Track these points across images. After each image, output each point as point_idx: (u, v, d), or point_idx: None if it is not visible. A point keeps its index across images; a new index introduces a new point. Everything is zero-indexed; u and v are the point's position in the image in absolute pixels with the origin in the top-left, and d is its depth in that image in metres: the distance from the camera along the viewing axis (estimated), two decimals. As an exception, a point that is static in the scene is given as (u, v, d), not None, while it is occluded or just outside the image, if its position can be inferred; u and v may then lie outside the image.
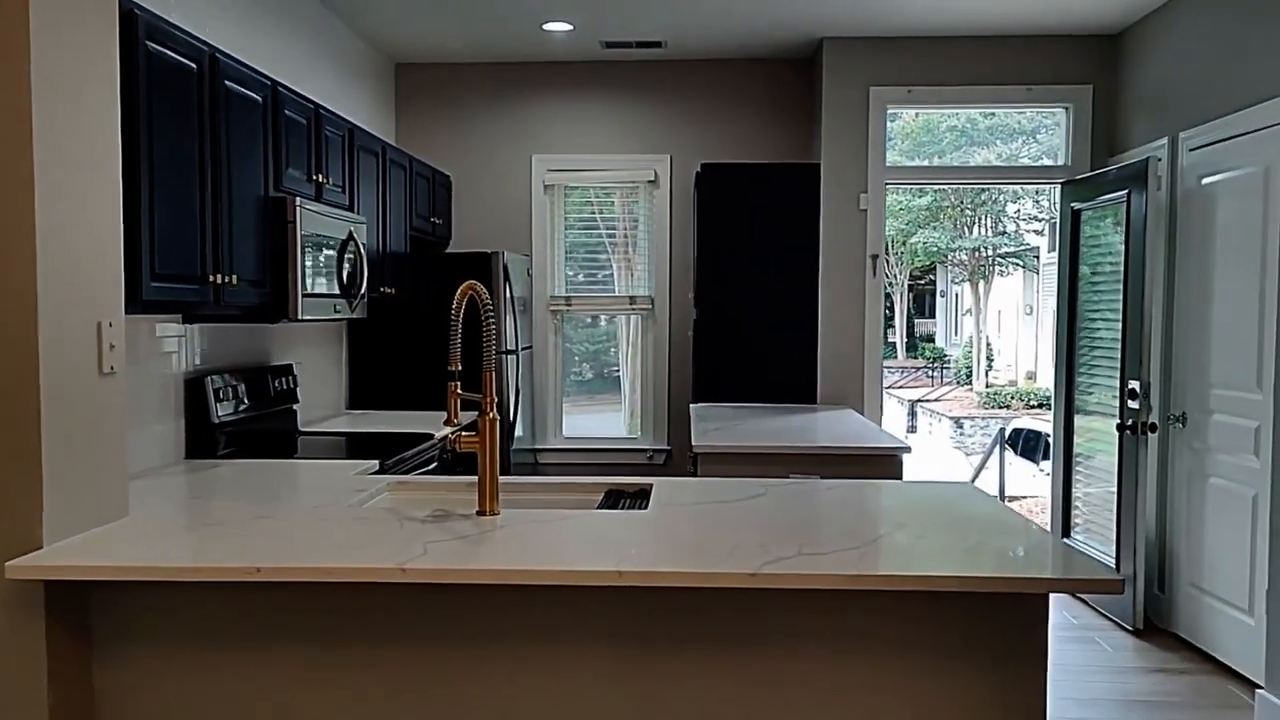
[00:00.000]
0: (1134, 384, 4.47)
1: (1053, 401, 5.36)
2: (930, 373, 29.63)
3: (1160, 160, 4.47)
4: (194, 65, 2.90)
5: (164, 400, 3.36)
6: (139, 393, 3.20)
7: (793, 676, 2.20)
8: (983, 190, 23.27)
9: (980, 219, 25.12)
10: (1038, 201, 24.33)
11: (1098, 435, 4.91)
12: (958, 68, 5.27)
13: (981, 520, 2.50)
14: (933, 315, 35.24)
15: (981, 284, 26.74)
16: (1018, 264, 26.53)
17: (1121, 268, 4.58)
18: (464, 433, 2.55)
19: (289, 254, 3.44)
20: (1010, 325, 29.20)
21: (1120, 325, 4.58)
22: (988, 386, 25.54)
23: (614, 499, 2.92)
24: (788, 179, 5.41)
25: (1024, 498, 9.97)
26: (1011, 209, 24.37)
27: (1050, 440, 12.90)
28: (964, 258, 26.40)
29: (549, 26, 5.17)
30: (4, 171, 2.09)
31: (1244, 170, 3.99)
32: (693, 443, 3.92)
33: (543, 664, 2.22)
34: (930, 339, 34.12)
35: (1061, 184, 5.23)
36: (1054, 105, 5.32)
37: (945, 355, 30.32)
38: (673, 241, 5.94)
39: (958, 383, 28.48)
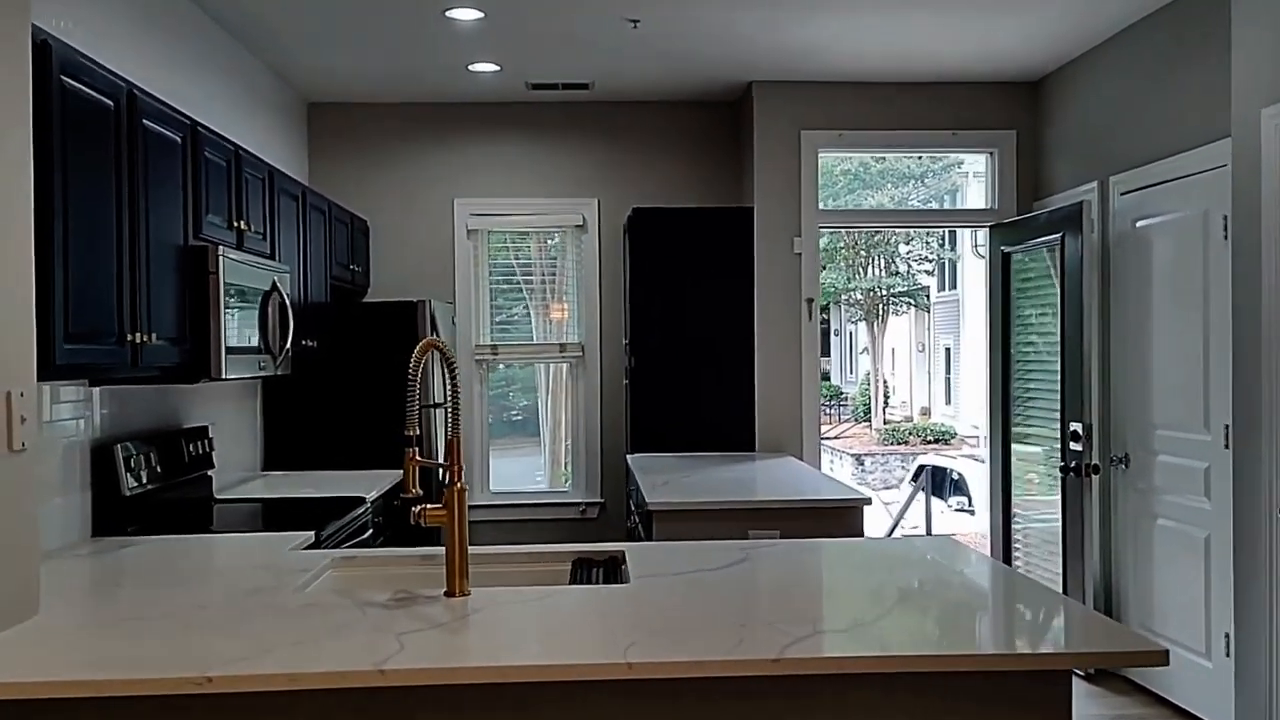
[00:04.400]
0: (1076, 425, 4.47)
1: (989, 441, 5.36)
2: (828, 410, 30.12)
3: (1091, 203, 4.52)
4: (111, 103, 2.61)
5: (67, 472, 3.01)
6: (37, 464, 2.85)
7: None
8: (876, 232, 23.87)
9: (874, 259, 25.76)
10: (928, 243, 25.09)
11: (1035, 475, 4.92)
12: (886, 112, 5.28)
13: (982, 582, 2.38)
14: (828, 354, 35.96)
15: (876, 323, 27.37)
16: (910, 303, 27.27)
17: (1057, 309, 4.60)
18: (429, 506, 2.31)
19: (210, 307, 3.14)
20: (903, 363, 29.94)
21: (1058, 366, 4.60)
22: (885, 423, 26.04)
23: (584, 569, 2.70)
24: (720, 223, 5.31)
25: (948, 535, 10.08)
26: (904, 250, 25.07)
27: (956, 476, 13.10)
28: (859, 297, 27.01)
29: (475, 67, 4.98)
30: (-102, 221, 1.79)
31: (1181, 214, 4.05)
32: (646, 499, 3.73)
33: (533, 766, 1.99)
34: (826, 377, 34.77)
35: (990, 227, 5.27)
36: (980, 150, 5.38)
37: (842, 393, 30.88)
38: (602, 287, 5.77)
39: (855, 420, 28.98)
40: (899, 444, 23.90)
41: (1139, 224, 4.33)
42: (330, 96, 5.54)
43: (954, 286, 25.15)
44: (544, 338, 5.91)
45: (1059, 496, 4.62)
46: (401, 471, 4.63)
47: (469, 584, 2.28)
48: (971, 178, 21.57)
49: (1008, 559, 5.13)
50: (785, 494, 3.86)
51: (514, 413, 6.47)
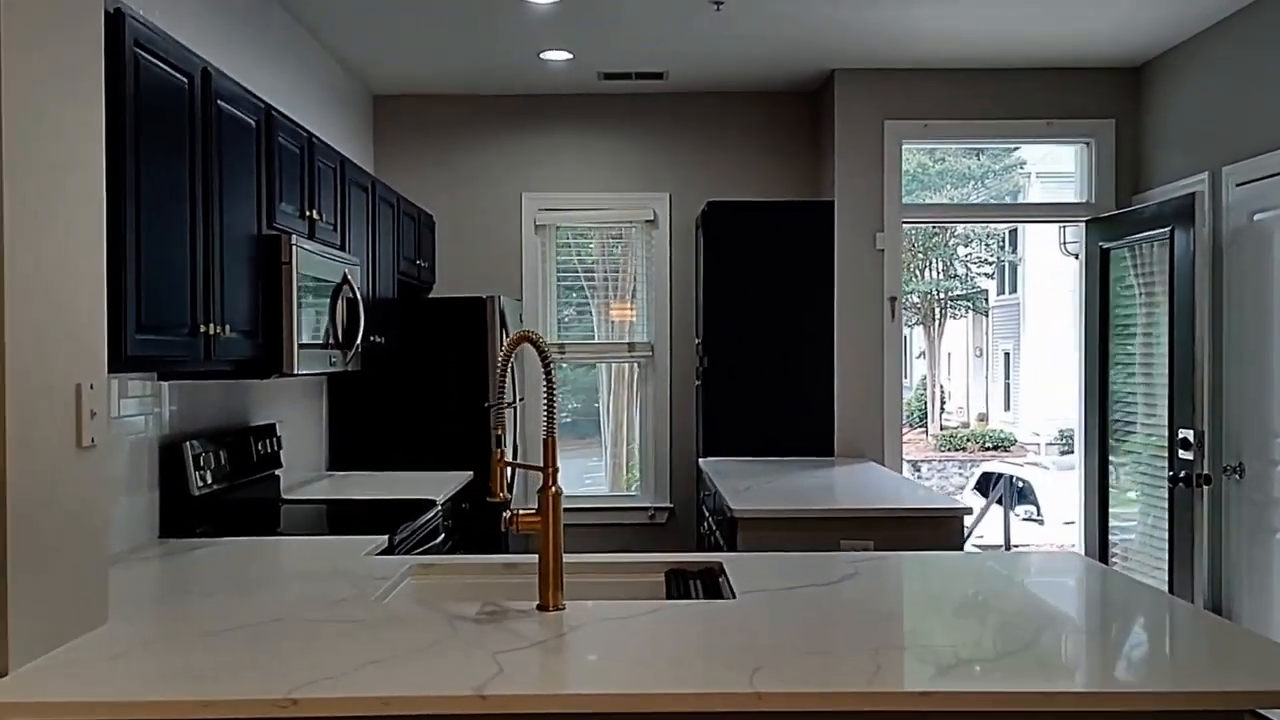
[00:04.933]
0: (1186, 433, 4.19)
1: (1081, 448, 5.07)
2: (883, 415, 29.56)
3: (1202, 195, 4.23)
4: (185, 80, 2.48)
5: (134, 470, 2.88)
6: (107, 462, 2.72)
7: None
8: (935, 234, 23.39)
9: (932, 262, 25.25)
10: (988, 245, 24.58)
11: (1134, 483, 4.63)
12: (975, 101, 5.02)
13: (1132, 603, 2.14)
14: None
15: (933, 327, 26.85)
16: (968, 306, 26.71)
17: (1164, 309, 4.32)
18: (522, 511, 2.13)
19: (283, 299, 3.00)
20: (960, 368, 29.36)
21: (1166, 370, 4.31)
22: (942, 429, 25.53)
23: (679, 581, 2.51)
24: (799, 218, 5.09)
25: (1024, 547, 9.74)
26: (962, 252, 24.55)
27: (1021, 484, 12.69)
28: (915, 300, 26.50)
29: (547, 55, 4.82)
30: (-36, 197, 1.65)
31: (1307, 205, 3.76)
32: (731, 506, 3.53)
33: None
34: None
35: (1086, 222, 4.99)
36: (1075, 140, 5.09)
37: (897, 398, 30.29)
38: (673, 284, 5.58)
39: (911, 425, 28.48)
40: (956, 450, 23.40)
41: (1257, 217, 4.04)
42: (397, 88, 5.42)
43: (1014, 290, 24.61)
44: (607, 336, 5.72)
45: (1165, 507, 4.33)
46: (468, 473, 4.52)
47: (563, 596, 2.10)
48: (1035, 179, 21.11)
49: (1103, 573, 4.84)
50: (878, 502, 3.63)
51: (563, 415, 6.30)
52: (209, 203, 2.58)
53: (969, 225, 23.33)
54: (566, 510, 5.92)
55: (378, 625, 1.96)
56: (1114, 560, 4.84)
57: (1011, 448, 22.15)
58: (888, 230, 5.04)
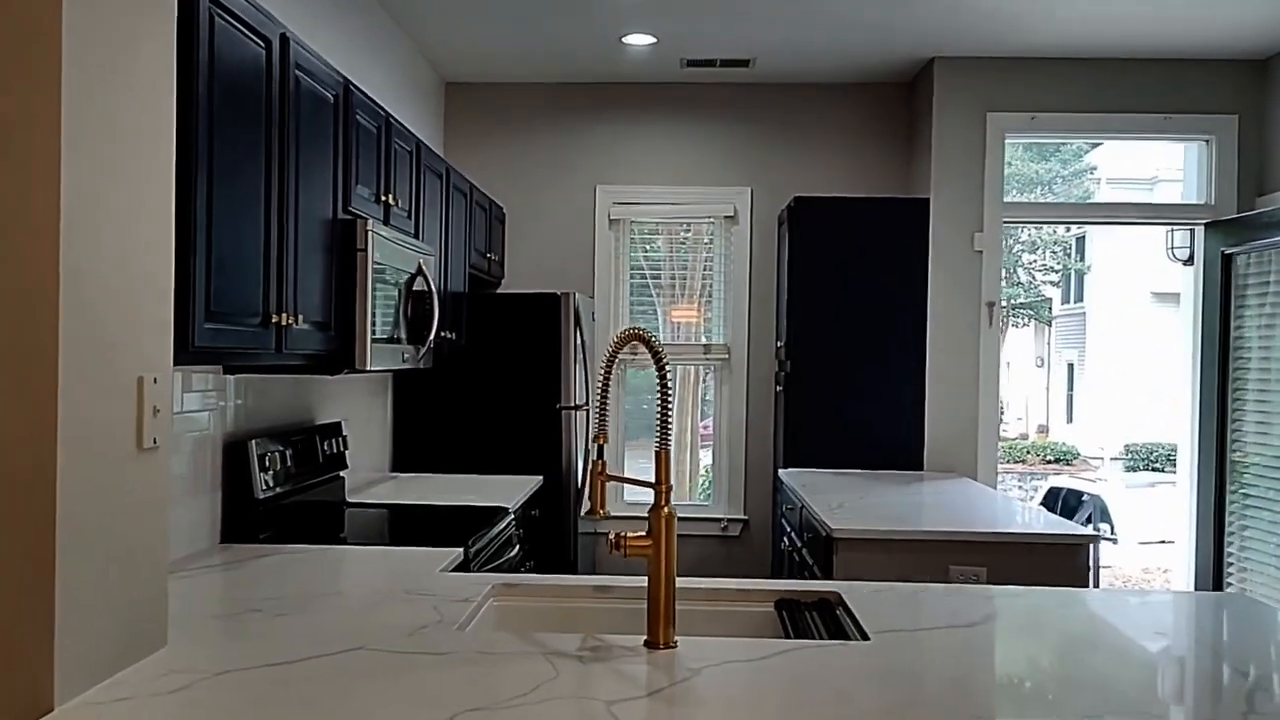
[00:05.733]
0: (1324, 457, 3.83)
1: (1194, 464, 4.69)
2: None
3: (1347, 198, 3.87)
4: (263, 46, 2.26)
5: (196, 470, 2.68)
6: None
7: None
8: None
9: (995, 268, 24.61)
10: (1054, 253, 23.94)
11: (1256, 509, 4.27)
12: (1085, 93, 4.68)
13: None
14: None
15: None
16: (1031, 315, 26.06)
17: (1301, 321, 3.96)
18: (630, 536, 1.88)
19: (357, 289, 2.78)
20: (1020, 378, 28.68)
21: (1301, 387, 3.95)
22: (1002, 440, 24.91)
23: (793, 613, 2.24)
24: (892, 215, 4.79)
25: (1105, 566, 9.32)
26: (1027, 259, 23.92)
27: (1087, 499, 12.24)
28: (976, 308, 25.83)
29: (629, 40, 4.57)
30: (20, 177, 1.43)
31: None
32: (829, 524, 3.24)
33: None
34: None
35: (1206, 225, 4.63)
36: (1194, 137, 4.73)
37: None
38: (752, 284, 5.30)
39: (968, 435, 27.80)
40: (1015, 463, 22.81)
41: None
42: (470, 75, 5.20)
43: (1080, 299, 23.96)
44: (673, 338, 5.44)
45: (1296, 538, 3.97)
46: (538, 478, 4.28)
47: (675, 632, 1.84)
48: (1105, 184, 20.44)
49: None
50: (991, 525, 3.32)
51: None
52: (284, 181, 2.37)
53: (1037, 231, 22.72)
54: (639, 519, 5.62)
55: (468, 661, 1.72)
56: (1229, 588, 4.47)
57: (1074, 461, 21.52)
58: (987, 230, 4.72)
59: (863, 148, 5.21)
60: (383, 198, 3.10)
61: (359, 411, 4.01)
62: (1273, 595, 4.18)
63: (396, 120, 3.28)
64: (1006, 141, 4.73)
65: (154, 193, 1.70)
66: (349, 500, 3.59)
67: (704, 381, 5.59)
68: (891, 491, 4.06)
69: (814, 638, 2.06)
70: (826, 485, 4.17)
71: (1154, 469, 18.39)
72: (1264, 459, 4.26)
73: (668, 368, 1.88)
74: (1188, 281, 5.16)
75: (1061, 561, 3.15)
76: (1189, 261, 5.37)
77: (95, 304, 1.52)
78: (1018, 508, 3.66)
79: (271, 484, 2.90)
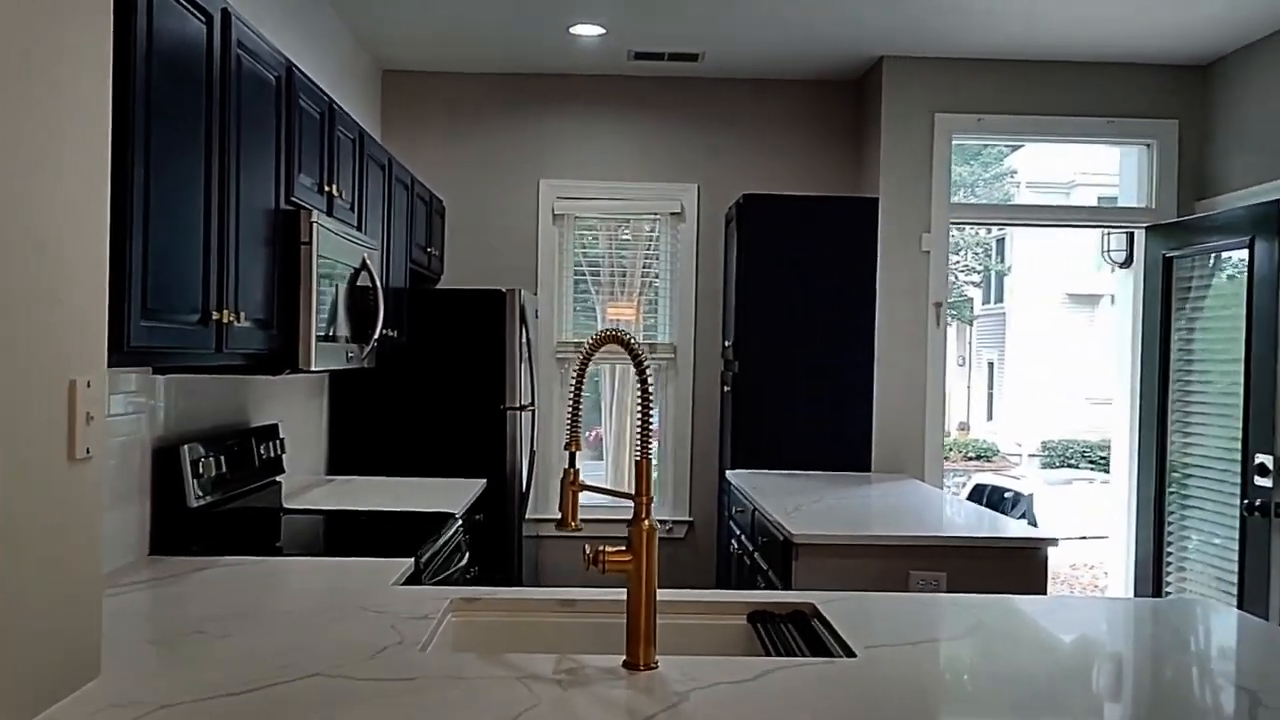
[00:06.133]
0: (1264, 459, 3.88)
1: (1134, 463, 4.74)
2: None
3: (1287, 203, 3.93)
4: (204, 22, 2.09)
5: (124, 478, 2.48)
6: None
7: None
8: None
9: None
10: (976, 254, 24.44)
11: (1193, 508, 4.34)
12: (1032, 95, 4.71)
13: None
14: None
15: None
16: (954, 315, 26.61)
17: (1243, 324, 4.01)
18: (609, 550, 1.77)
19: (302, 284, 2.62)
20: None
21: (1242, 390, 4.01)
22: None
23: (768, 626, 2.15)
24: (841, 214, 4.75)
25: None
26: (951, 260, 24.38)
27: (1010, 496, 12.45)
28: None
29: (577, 30, 4.45)
30: (-65, 136, 1.27)
31: None
32: (789, 529, 3.17)
33: None
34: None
35: (1147, 228, 4.68)
36: (1135, 141, 4.78)
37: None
38: (699, 283, 5.22)
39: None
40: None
41: (1352, 227, 3.74)
42: (408, 63, 5.03)
43: (1000, 299, 24.53)
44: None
45: (1236, 536, 4.03)
46: (481, 481, 4.14)
47: (655, 652, 1.74)
48: (1025, 187, 20.92)
49: (1158, 594, 4.54)
50: (950, 530, 3.29)
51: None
52: (225, 168, 2.20)
53: (960, 232, 23.17)
54: (583, 520, 5.50)
55: (437, 685, 1.59)
56: (1167, 586, 4.54)
57: (993, 458, 21.99)
58: (935, 230, 4.71)
59: (812, 146, 5.17)
60: (326, 188, 2.93)
61: (295, 412, 3.82)
62: (1208, 593, 4.24)
63: (340, 106, 3.11)
64: (954, 143, 4.73)
65: (88, 178, 1.53)
66: (286, 507, 3.40)
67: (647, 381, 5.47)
68: (844, 494, 4.01)
69: (795, 654, 1.98)
70: (778, 487, 4.11)
71: (1070, 465, 18.89)
72: (1202, 460, 4.33)
73: (649, 371, 1.77)
74: (1126, 284, 5.24)
75: (1020, 565, 3.13)
76: (1125, 264, 5.45)
77: (22, 300, 1.36)
78: (976, 513, 3.64)
79: (204, 492, 2.72)
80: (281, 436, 3.36)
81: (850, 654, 1.85)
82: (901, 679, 1.69)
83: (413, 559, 2.59)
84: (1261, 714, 1.57)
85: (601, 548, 1.76)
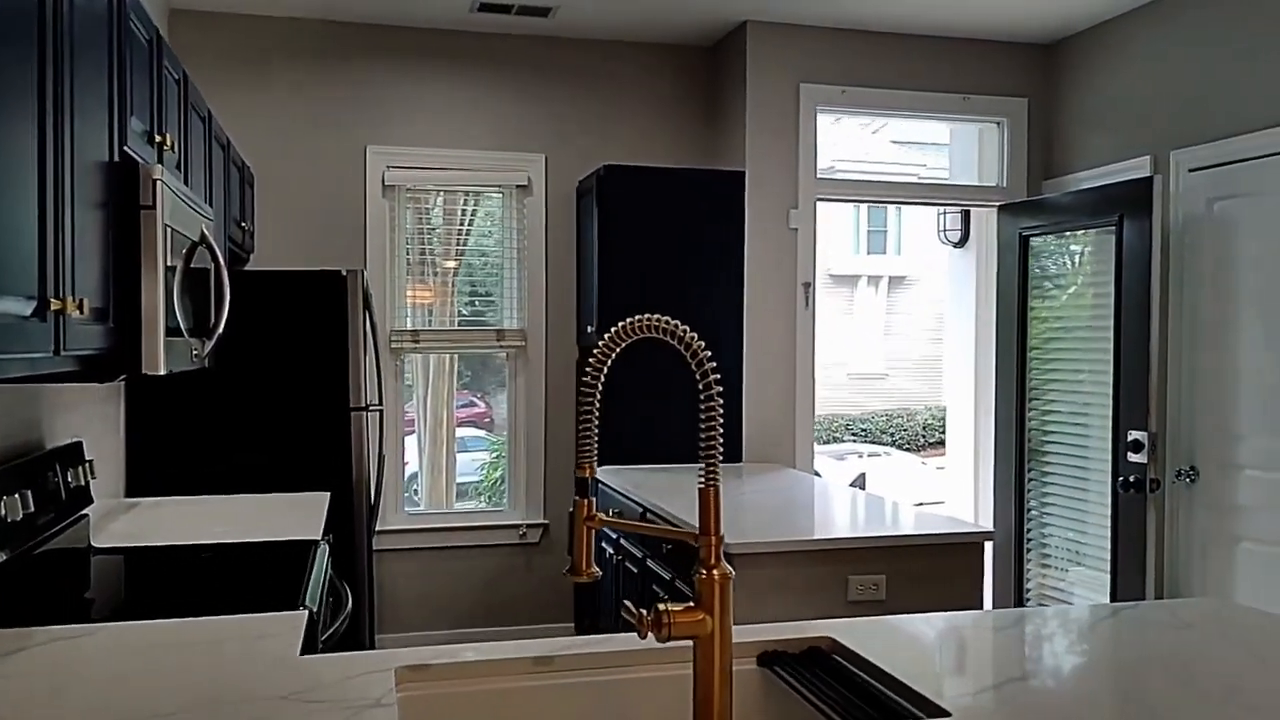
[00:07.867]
0: (1137, 435, 3.93)
1: (997, 444, 4.74)
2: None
3: (1154, 181, 3.98)
4: (26, -116, 1.45)
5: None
6: None
7: None
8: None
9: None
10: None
11: (1057, 485, 4.39)
12: (894, 69, 4.58)
13: None
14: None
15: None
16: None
17: (1112, 302, 4.05)
18: (675, 609, 1.34)
19: (144, 262, 1.98)
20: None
21: (1112, 369, 4.04)
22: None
23: (785, 669, 1.79)
24: (707, 188, 4.45)
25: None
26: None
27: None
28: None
29: (420, -28, 3.88)
30: None
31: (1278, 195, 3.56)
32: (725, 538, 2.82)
33: None
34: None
35: (1000, 207, 4.68)
36: (989, 119, 4.77)
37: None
38: (549, 263, 4.77)
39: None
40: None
41: (1217, 205, 3.83)
42: (204, 3, 4.25)
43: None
44: (427, 322, 4.71)
45: (1109, 512, 4.08)
46: (324, 494, 3.53)
47: (727, 737, 1.33)
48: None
49: (1020, 577, 4.57)
50: (886, 529, 3.06)
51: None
52: (59, 115, 1.56)
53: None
54: (408, 531, 4.95)
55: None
56: (1029, 564, 4.57)
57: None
58: (802, 207, 4.50)
59: (671, 114, 4.83)
60: (157, 137, 2.28)
61: (92, 425, 3.07)
62: (1073, 571, 4.29)
63: (163, 37, 2.44)
64: (819, 115, 4.53)
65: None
66: (96, 546, 2.69)
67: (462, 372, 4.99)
68: (736, 489, 3.72)
69: (847, 714, 1.61)
70: (661, 484, 3.77)
71: (835, 440, 19.88)
72: (1063, 439, 4.37)
73: (710, 371, 1.36)
74: (965, 263, 5.27)
75: (959, 562, 2.95)
76: (960, 244, 5.50)
77: None
78: (895, 507, 3.44)
79: (3, 540, 2.03)
80: (89, 459, 2.65)
81: (940, 713, 1.51)
82: (1039, 744, 1.37)
83: (305, 610, 2.04)
84: None
85: (665, 607, 1.33)
